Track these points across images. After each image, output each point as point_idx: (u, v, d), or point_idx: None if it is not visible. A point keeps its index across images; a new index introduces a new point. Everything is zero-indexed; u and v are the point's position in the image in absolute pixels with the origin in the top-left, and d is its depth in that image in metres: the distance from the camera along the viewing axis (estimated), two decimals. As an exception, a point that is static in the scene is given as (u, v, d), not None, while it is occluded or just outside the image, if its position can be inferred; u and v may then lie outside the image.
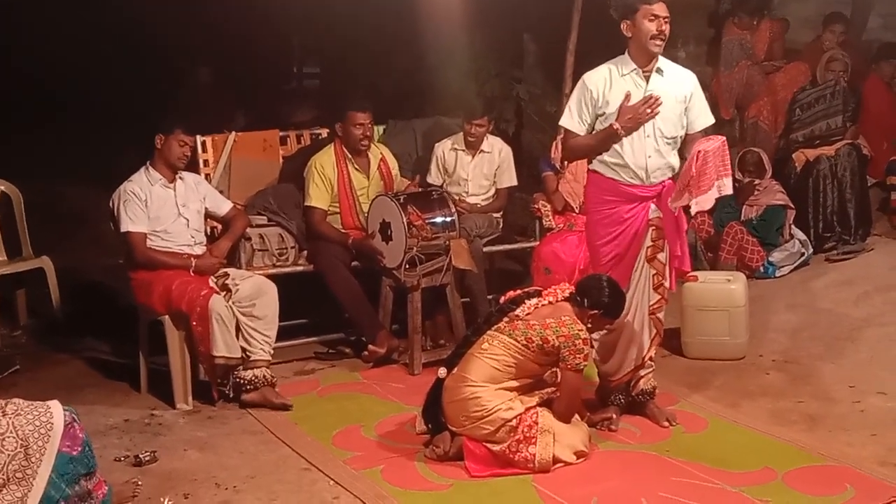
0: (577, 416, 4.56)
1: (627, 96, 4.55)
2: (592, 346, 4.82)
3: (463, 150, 6.53)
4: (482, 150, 6.53)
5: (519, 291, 4.57)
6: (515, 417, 4.31)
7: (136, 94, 8.54)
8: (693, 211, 4.65)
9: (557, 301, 4.45)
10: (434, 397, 4.51)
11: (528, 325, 4.35)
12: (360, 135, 6.03)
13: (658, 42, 4.53)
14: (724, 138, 4.58)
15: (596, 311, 4.42)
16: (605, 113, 4.61)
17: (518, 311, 4.41)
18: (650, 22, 4.50)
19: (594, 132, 4.66)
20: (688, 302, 5.73)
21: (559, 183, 6.43)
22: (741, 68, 7.84)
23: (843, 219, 7.18)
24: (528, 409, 4.35)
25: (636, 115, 4.53)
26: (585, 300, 4.43)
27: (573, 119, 4.67)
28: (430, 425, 4.54)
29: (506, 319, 4.42)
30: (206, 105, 8.23)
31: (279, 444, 4.76)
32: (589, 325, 4.42)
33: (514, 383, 4.40)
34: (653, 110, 4.53)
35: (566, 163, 6.31)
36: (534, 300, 4.45)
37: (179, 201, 5.39)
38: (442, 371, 4.51)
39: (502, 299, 4.59)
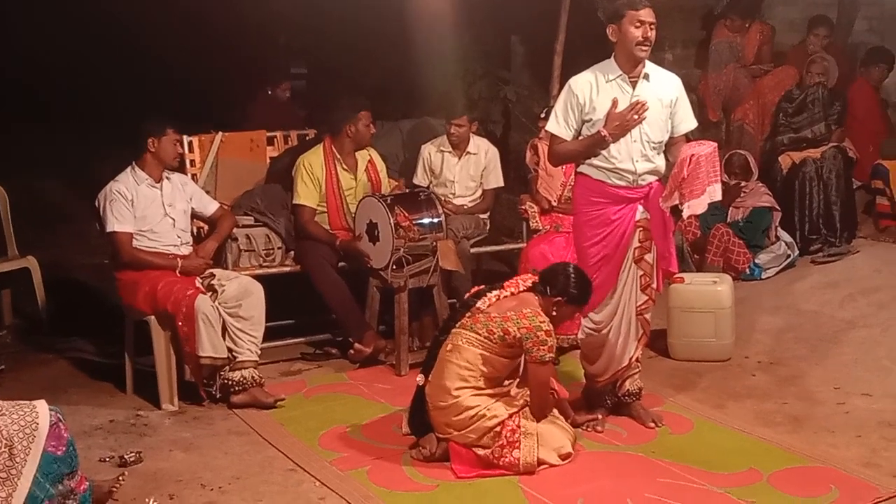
0: (561, 417, 4.56)
1: (615, 103, 4.54)
2: (576, 344, 4.82)
3: (449, 152, 6.54)
4: (468, 152, 6.54)
5: (482, 286, 4.56)
6: (498, 424, 4.31)
7: (120, 93, 8.52)
8: (685, 215, 4.67)
9: (519, 292, 4.43)
10: (417, 406, 4.50)
11: (489, 318, 4.33)
12: (369, 133, 6.08)
13: (644, 48, 4.52)
14: (716, 144, 4.59)
15: (560, 299, 4.40)
16: (591, 119, 4.61)
17: (479, 304, 4.39)
18: (636, 28, 4.50)
19: (581, 138, 4.65)
20: (674, 303, 5.74)
21: (538, 182, 6.43)
22: (729, 70, 7.86)
23: (829, 221, 7.20)
24: (511, 415, 4.34)
25: (623, 122, 4.53)
26: (549, 288, 4.41)
27: (559, 124, 4.67)
28: (417, 434, 4.53)
29: (468, 314, 4.41)
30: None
31: (265, 445, 4.75)
32: (554, 314, 4.38)
33: (489, 389, 4.37)
34: (640, 116, 4.53)
35: (540, 162, 6.33)
36: (495, 292, 4.43)
37: (166, 201, 5.37)
38: (420, 378, 4.50)
39: (466, 294, 4.58)
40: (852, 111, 7.50)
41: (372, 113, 6.12)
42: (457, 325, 4.41)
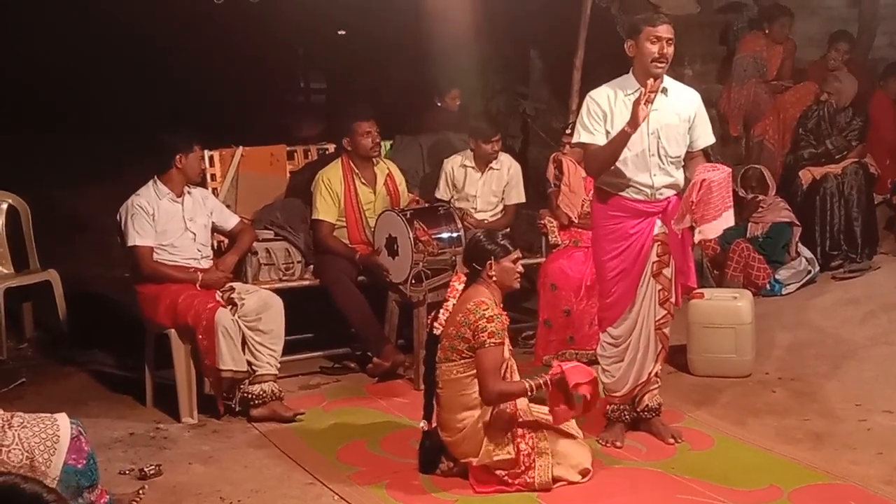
0: (579, 432, 4.53)
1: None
2: (595, 359, 4.78)
3: (472, 167, 6.56)
4: (491, 167, 6.56)
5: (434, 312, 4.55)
6: (513, 447, 4.29)
7: (141, 106, 8.58)
8: (697, 239, 4.64)
9: (459, 295, 4.43)
10: (425, 451, 4.50)
11: (450, 339, 4.33)
12: (370, 143, 6.04)
13: (659, 65, 4.50)
14: (731, 170, 4.57)
15: (490, 262, 4.38)
16: (609, 132, 4.58)
17: (436, 328, 4.40)
18: (652, 44, 4.49)
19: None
20: (694, 319, 5.73)
21: (559, 197, 6.42)
22: (750, 86, 7.84)
23: (850, 237, 7.18)
24: (523, 434, 4.32)
25: (636, 107, 4.42)
26: (475, 265, 4.42)
27: (586, 131, 4.62)
28: (427, 473, 4.50)
29: (438, 348, 4.41)
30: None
31: (284, 459, 4.75)
32: (495, 280, 4.35)
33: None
34: (652, 91, 4.43)
35: (563, 178, 6.32)
36: (442, 310, 4.42)
37: (187, 216, 5.40)
38: (423, 424, 4.49)
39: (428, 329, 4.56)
40: (873, 126, 7.47)
41: (374, 122, 6.05)
42: (437, 363, 4.42)
